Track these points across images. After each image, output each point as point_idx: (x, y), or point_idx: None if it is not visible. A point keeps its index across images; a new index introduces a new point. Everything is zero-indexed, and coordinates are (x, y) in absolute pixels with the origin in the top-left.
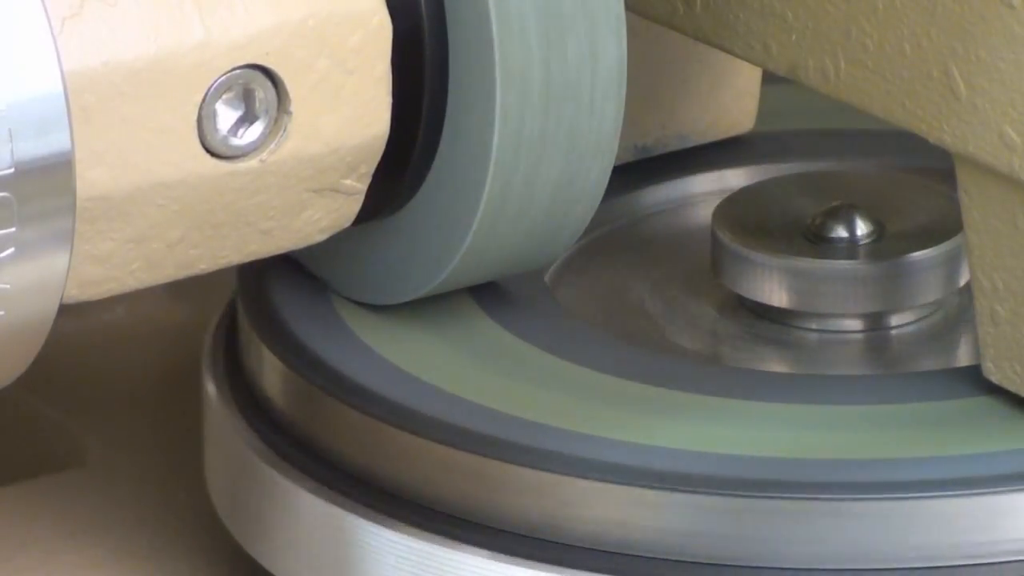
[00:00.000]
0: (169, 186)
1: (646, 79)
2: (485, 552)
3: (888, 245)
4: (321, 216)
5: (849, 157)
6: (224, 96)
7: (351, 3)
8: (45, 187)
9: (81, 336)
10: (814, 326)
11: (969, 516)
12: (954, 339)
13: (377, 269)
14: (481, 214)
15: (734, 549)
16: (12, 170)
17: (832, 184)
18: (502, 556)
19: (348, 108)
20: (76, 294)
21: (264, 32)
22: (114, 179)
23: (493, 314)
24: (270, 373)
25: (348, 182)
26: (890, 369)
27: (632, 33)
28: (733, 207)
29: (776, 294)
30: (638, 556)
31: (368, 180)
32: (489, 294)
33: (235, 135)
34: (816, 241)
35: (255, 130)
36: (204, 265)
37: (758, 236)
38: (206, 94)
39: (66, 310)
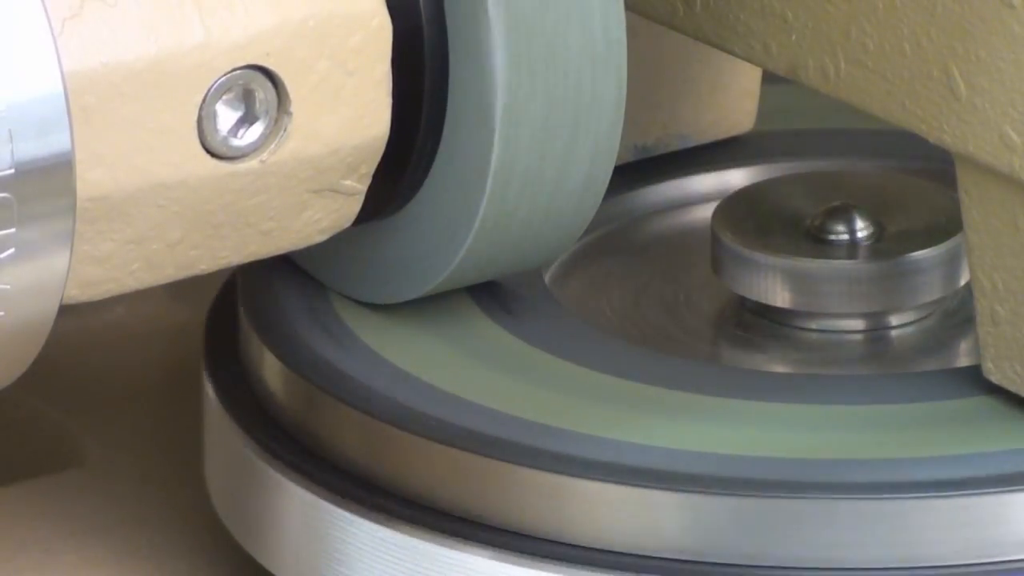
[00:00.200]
0: (169, 187)
1: (646, 79)
2: (485, 552)
3: (888, 245)
4: (321, 217)
5: (849, 157)
6: (224, 97)
7: (351, 4)
8: (45, 188)
9: (81, 336)
10: (814, 326)
11: (969, 516)
12: (954, 339)
13: (377, 269)
14: (481, 214)
15: (734, 549)
16: (12, 171)
17: (832, 184)
18: (502, 556)
19: (348, 109)
20: (76, 294)
21: (264, 33)
22: (114, 180)
23: (493, 314)
24: (270, 373)
25: (348, 183)
26: (890, 369)
27: (632, 33)
28: (733, 207)
29: (776, 294)
30: (638, 556)
31: (368, 180)
32: (489, 294)
33: (235, 136)
34: (816, 241)
35: (255, 131)
36: (204, 266)
37: (758, 236)
38: (206, 95)
39: (66, 310)
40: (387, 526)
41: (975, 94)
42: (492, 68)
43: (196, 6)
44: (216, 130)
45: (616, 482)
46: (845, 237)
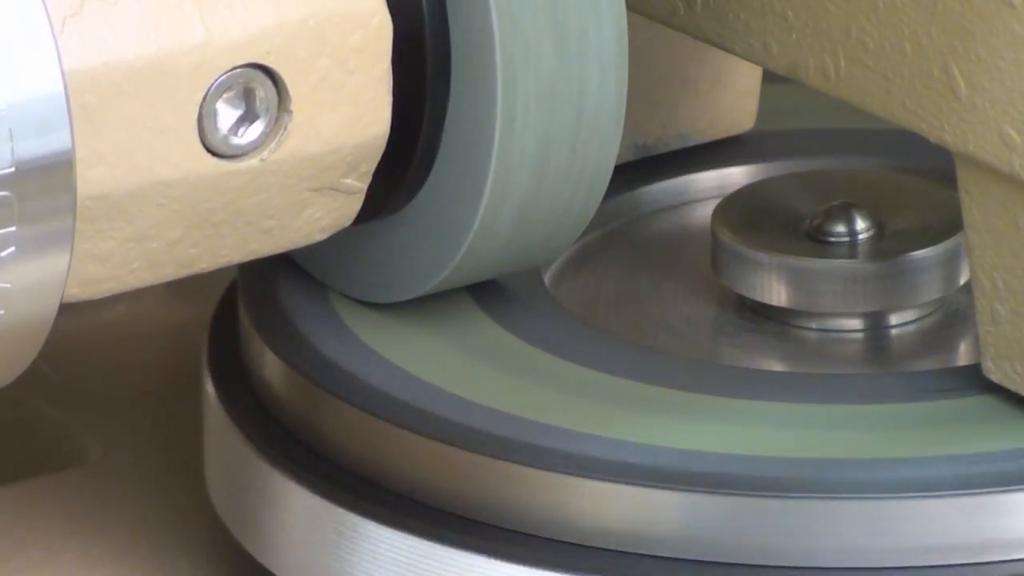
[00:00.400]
0: (170, 185)
1: (646, 78)
2: (485, 551)
3: (888, 244)
4: (322, 215)
5: (849, 157)
6: (224, 95)
7: (352, 3)
8: (45, 186)
9: (81, 335)
10: (814, 325)
11: (969, 516)
12: (954, 338)
13: (377, 268)
14: (482, 213)
15: (734, 548)
16: (12, 169)
17: (832, 183)
18: (502, 555)
19: (349, 107)
20: (77, 293)
21: (265, 31)
22: (115, 178)
23: (493, 313)
24: (270, 372)
25: (349, 181)
26: (890, 368)
27: (632, 32)
28: (733, 206)
29: (776, 293)
30: (638, 555)
31: (369, 179)
32: (489, 293)
33: (236, 134)
34: (816, 240)
35: (255, 129)
36: (205, 264)
37: (758, 235)
38: (207, 93)
39: (66, 309)
40: (387, 525)
41: (975, 93)
42: (493, 67)
43: (196, 5)
44: (216, 128)
45: (616, 481)
46: (845, 236)
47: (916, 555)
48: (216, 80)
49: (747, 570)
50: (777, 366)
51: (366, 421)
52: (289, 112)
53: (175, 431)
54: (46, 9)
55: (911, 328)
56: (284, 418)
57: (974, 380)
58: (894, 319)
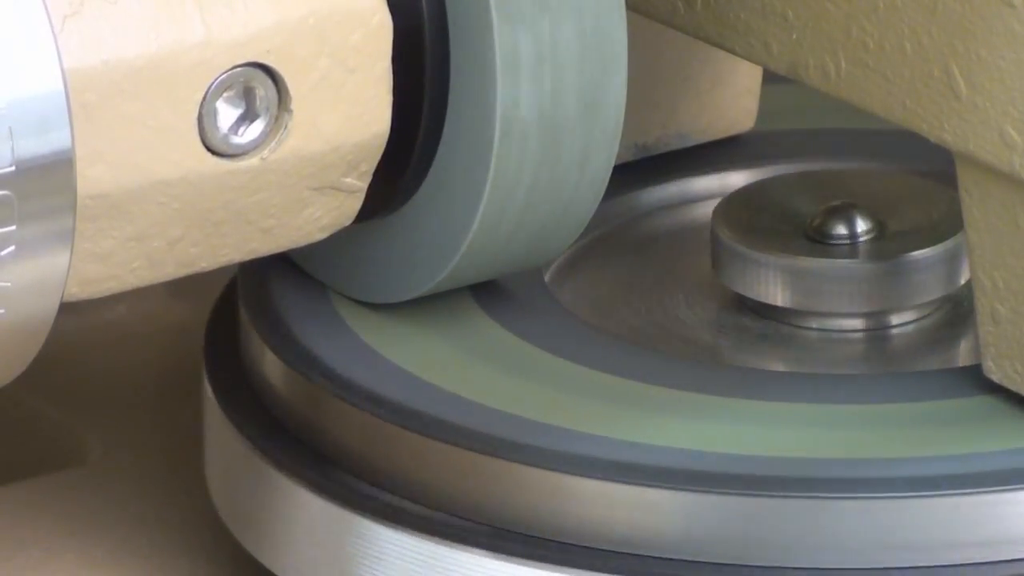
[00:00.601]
0: (170, 184)
1: (646, 78)
2: (485, 551)
3: (888, 244)
4: (322, 214)
5: (849, 157)
6: (225, 94)
7: (352, 1)
8: (46, 185)
9: (82, 335)
10: (814, 325)
11: (969, 516)
12: (954, 338)
13: (377, 267)
14: (482, 212)
15: (734, 548)
16: (12, 168)
17: (832, 183)
18: (502, 555)
19: (349, 106)
20: (77, 292)
21: (265, 30)
22: (115, 177)
23: (493, 313)
24: (270, 372)
25: (349, 180)
26: (891, 368)
27: (632, 32)
28: (733, 206)
29: (776, 293)
30: (638, 555)
31: (369, 178)
32: (489, 293)
33: (236, 133)
34: (816, 240)
35: (256, 128)
36: (205, 263)
37: (758, 235)
38: (207, 92)
39: (67, 308)
40: (387, 524)
41: (976, 93)
42: (493, 66)
43: (196, 4)
44: (217, 128)
45: (616, 481)
46: (845, 237)
47: (916, 555)
48: (216, 79)
49: (747, 570)
50: (777, 366)
51: (366, 421)
52: (289, 111)
53: (175, 431)
54: (46, 8)
55: (911, 328)
56: (284, 418)
57: (974, 380)
58: (894, 319)
